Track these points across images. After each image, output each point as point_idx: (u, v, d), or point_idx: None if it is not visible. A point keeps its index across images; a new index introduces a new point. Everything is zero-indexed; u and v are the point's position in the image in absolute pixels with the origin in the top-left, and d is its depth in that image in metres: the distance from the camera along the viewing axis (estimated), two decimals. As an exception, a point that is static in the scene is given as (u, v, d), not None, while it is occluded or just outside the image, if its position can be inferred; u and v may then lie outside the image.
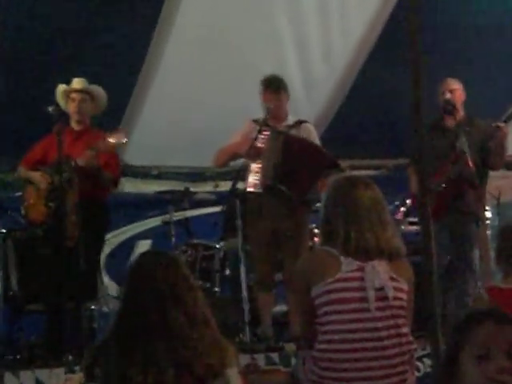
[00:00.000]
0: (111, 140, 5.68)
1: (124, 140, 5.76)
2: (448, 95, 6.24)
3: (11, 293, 5.97)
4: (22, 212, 5.96)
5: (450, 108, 6.23)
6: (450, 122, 6.30)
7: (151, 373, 2.66)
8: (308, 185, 5.82)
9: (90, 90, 6.02)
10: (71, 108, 6.00)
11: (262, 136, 5.91)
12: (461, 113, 6.29)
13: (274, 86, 6.03)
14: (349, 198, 3.33)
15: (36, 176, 5.90)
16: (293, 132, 6.02)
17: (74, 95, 5.99)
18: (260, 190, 5.89)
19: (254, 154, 5.89)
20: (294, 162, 5.79)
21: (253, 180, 5.98)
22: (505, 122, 6.20)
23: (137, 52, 6.94)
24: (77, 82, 6.02)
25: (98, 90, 6.05)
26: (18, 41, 6.55)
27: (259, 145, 5.90)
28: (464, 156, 5.97)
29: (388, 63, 7.20)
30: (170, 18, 6.77)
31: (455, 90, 6.28)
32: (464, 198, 6.08)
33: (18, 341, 5.97)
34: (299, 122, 6.13)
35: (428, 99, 3.01)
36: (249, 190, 5.99)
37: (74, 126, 6.06)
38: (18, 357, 5.71)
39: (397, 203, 6.57)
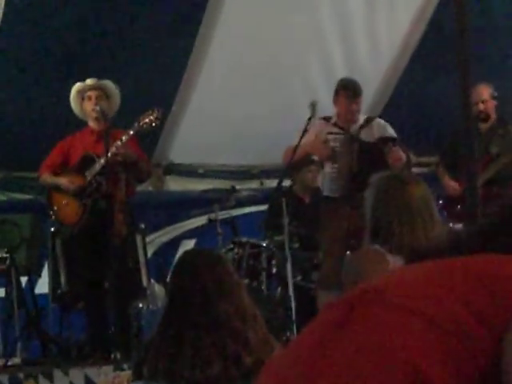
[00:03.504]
0: (147, 120, 5.72)
1: (157, 122, 5.79)
2: (481, 106, 6.33)
3: (60, 291, 6.04)
4: (53, 217, 5.93)
5: (483, 117, 6.35)
6: (483, 127, 6.39)
7: (199, 366, 2.66)
8: None
9: (103, 86, 5.90)
10: (88, 106, 5.86)
11: (332, 137, 5.84)
12: (493, 117, 6.40)
13: (354, 91, 5.87)
14: (401, 196, 3.29)
15: (64, 182, 5.85)
16: (364, 131, 5.89)
17: (89, 93, 5.86)
18: (336, 195, 5.85)
19: (329, 156, 5.84)
20: (369, 168, 5.65)
21: (329, 185, 5.94)
22: None
23: (181, 50, 6.96)
24: (90, 80, 5.91)
25: (112, 86, 5.94)
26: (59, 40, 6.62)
27: (332, 144, 5.83)
28: (501, 157, 6.06)
29: (434, 59, 7.14)
30: (214, 17, 6.78)
31: (487, 101, 6.38)
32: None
33: (67, 339, 6.04)
34: (370, 119, 6.00)
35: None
36: (325, 194, 5.97)
37: (94, 126, 5.92)
38: (67, 354, 5.78)
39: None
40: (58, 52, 6.62)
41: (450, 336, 1.10)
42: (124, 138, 5.68)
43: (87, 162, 5.82)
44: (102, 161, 5.67)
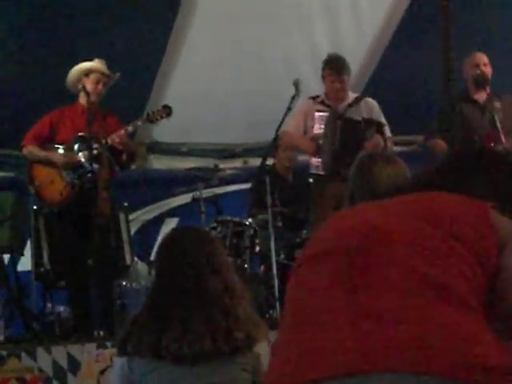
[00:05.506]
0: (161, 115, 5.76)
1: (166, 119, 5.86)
2: (482, 68, 6.20)
3: (43, 269, 6.02)
4: (32, 191, 5.84)
5: (482, 81, 6.21)
6: (479, 96, 6.26)
7: (187, 341, 2.67)
8: None
9: (112, 77, 5.94)
10: (93, 87, 5.85)
11: (320, 114, 5.84)
12: (489, 85, 6.28)
13: (337, 69, 5.86)
14: (368, 174, 3.31)
15: (57, 156, 5.82)
16: (352, 110, 5.89)
17: (99, 76, 5.88)
18: (322, 173, 5.86)
19: (315, 152, 5.87)
20: (352, 145, 5.66)
21: (315, 162, 5.95)
22: None
23: (162, 29, 6.91)
24: (102, 65, 5.93)
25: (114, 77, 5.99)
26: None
27: (317, 131, 5.82)
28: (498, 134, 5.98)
29: (417, 34, 7.11)
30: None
31: (487, 65, 6.24)
32: None
33: (50, 317, 6.03)
34: (359, 99, 5.99)
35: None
36: (311, 172, 5.97)
37: (85, 103, 5.89)
38: (50, 332, 5.78)
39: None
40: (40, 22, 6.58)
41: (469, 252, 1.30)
42: (130, 128, 5.72)
43: (81, 143, 5.79)
44: (99, 146, 5.68)
